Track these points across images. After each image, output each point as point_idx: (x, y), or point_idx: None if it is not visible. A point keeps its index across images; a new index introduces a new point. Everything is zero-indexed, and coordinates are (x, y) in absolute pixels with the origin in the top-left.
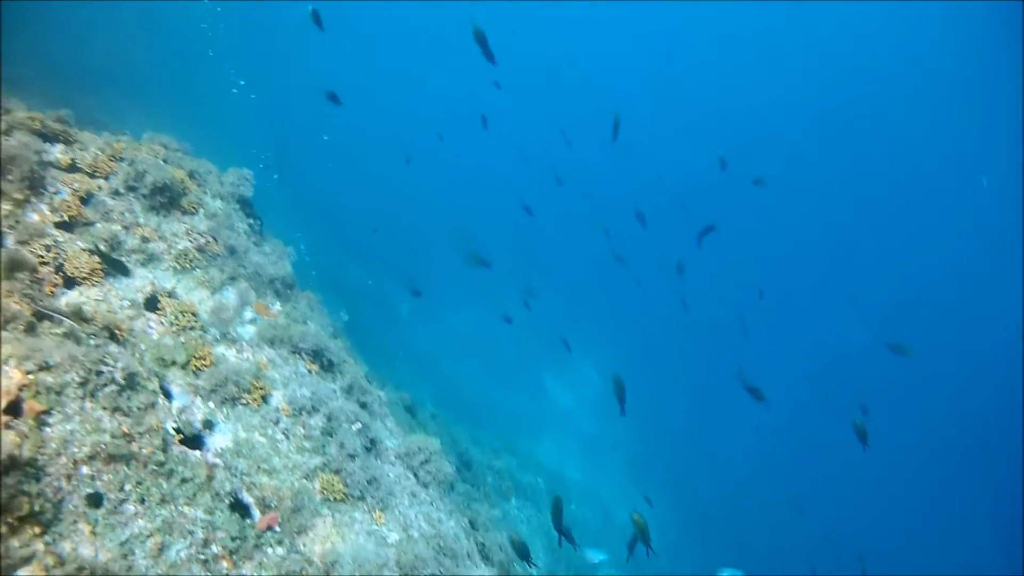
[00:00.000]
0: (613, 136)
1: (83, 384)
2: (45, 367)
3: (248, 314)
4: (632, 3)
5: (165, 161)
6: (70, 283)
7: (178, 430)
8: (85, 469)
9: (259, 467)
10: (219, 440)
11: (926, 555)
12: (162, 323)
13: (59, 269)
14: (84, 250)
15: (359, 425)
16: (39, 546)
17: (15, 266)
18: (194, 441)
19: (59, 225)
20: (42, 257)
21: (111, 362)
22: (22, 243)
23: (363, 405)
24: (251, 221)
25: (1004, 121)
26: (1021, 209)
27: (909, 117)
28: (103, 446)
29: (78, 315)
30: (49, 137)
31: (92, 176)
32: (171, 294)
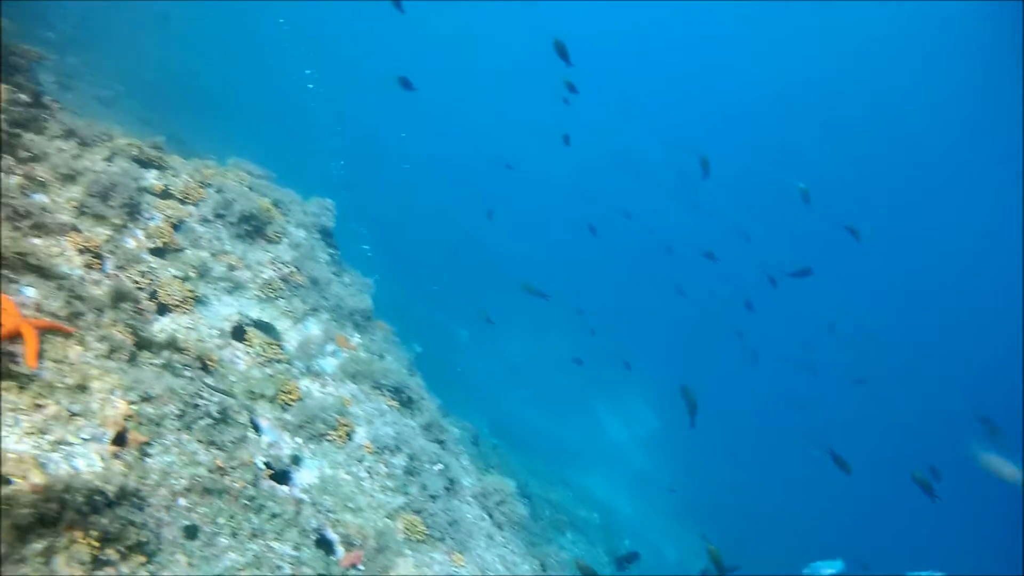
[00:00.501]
0: (704, 175)
1: (180, 417)
2: (146, 398)
3: (330, 347)
4: (708, 38)
5: (250, 188)
6: (163, 310)
7: (268, 465)
8: (182, 501)
9: (344, 505)
10: (305, 476)
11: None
12: (248, 354)
13: (153, 296)
14: (176, 277)
15: (440, 466)
16: (144, 575)
17: (120, 297)
18: (282, 476)
19: (153, 251)
20: (137, 283)
21: (207, 396)
22: (120, 268)
23: (440, 443)
24: (331, 251)
25: (1004, 121)
26: (1021, 209)
27: (909, 117)
28: (199, 479)
29: (173, 345)
30: (145, 163)
31: (183, 203)
32: (257, 324)
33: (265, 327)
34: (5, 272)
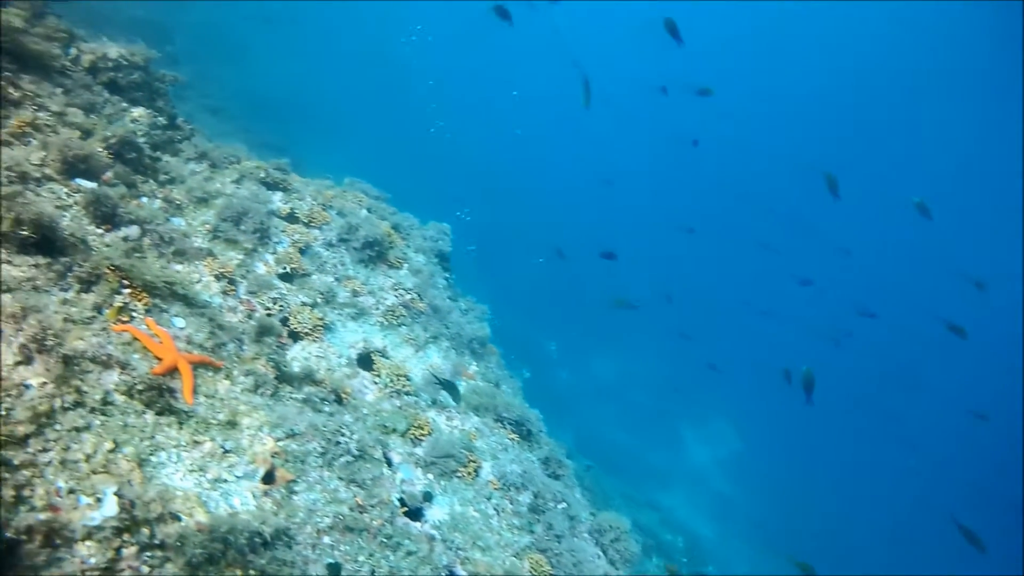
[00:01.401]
0: (834, 195)
1: (323, 454)
2: (291, 435)
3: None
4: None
5: (368, 211)
6: (294, 337)
7: (402, 502)
8: (327, 539)
9: (474, 543)
10: (436, 513)
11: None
12: (376, 383)
13: (284, 322)
14: (305, 304)
15: (564, 504)
16: None
17: (264, 331)
18: (415, 513)
19: (282, 276)
20: (269, 310)
21: (347, 433)
22: (252, 294)
23: (557, 477)
24: (447, 275)
25: (1004, 121)
26: (1021, 209)
27: (909, 117)
28: (341, 517)
29: (310, 378)
30: (271, 185)
31: (308, 226)
32: (383, 352)
33: (390, 355)
34: (156, 301)
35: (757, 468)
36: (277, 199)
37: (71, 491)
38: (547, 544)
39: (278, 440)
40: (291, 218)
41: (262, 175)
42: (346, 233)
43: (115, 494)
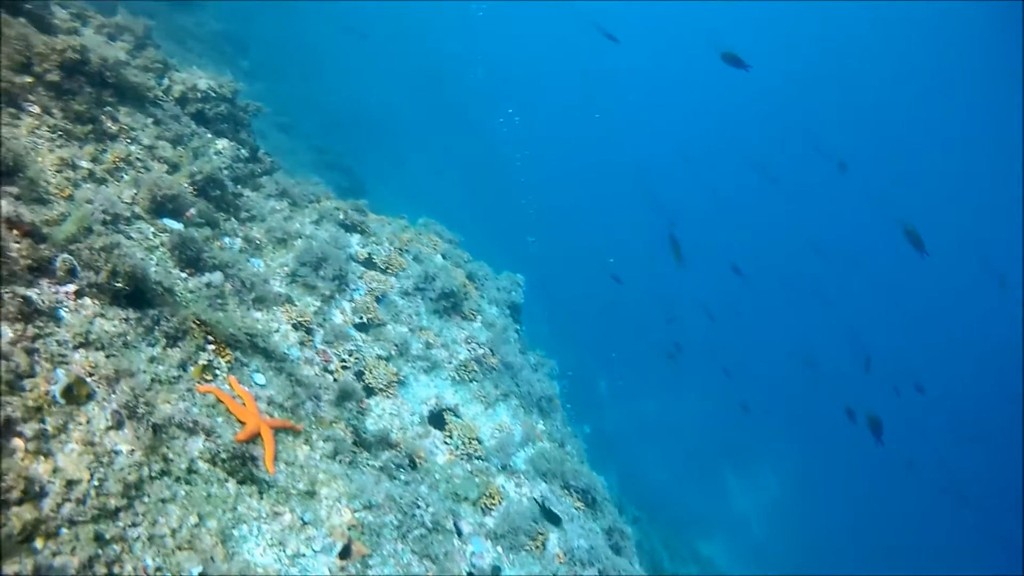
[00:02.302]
0: (918, 250)
1: (398, 527)
2: (369, 507)
3: (522, 440)
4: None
5: (444, 256)
6: (368, 392)
7: (471, 574)
8: None
9: None
10: None
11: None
12: (447, 444)
13: (359, 376)
14: (380, 358)
15: None
16: None
17: (345, 396)
18: None
19: (358, 327)
20: (344, 362)
21: (423, 505)
22: (328, 344)
23: (618, 550)
24: (518, 327)
25: (1004, 121)
26: (1021, 209)
27: (907, 117)
28: None
29: (386, 441)
30: (349, 227)
31: (385, 272)
32: (454, 411)
33: (461, 413)
34: (237, 355)
35: (797, 516)
36: (355, 242)
37: (158, 569)
38: None
39: (355, 511)
40: (368, 263)
41: (341, 216)
42: (423, 282)
43: (200, 575)
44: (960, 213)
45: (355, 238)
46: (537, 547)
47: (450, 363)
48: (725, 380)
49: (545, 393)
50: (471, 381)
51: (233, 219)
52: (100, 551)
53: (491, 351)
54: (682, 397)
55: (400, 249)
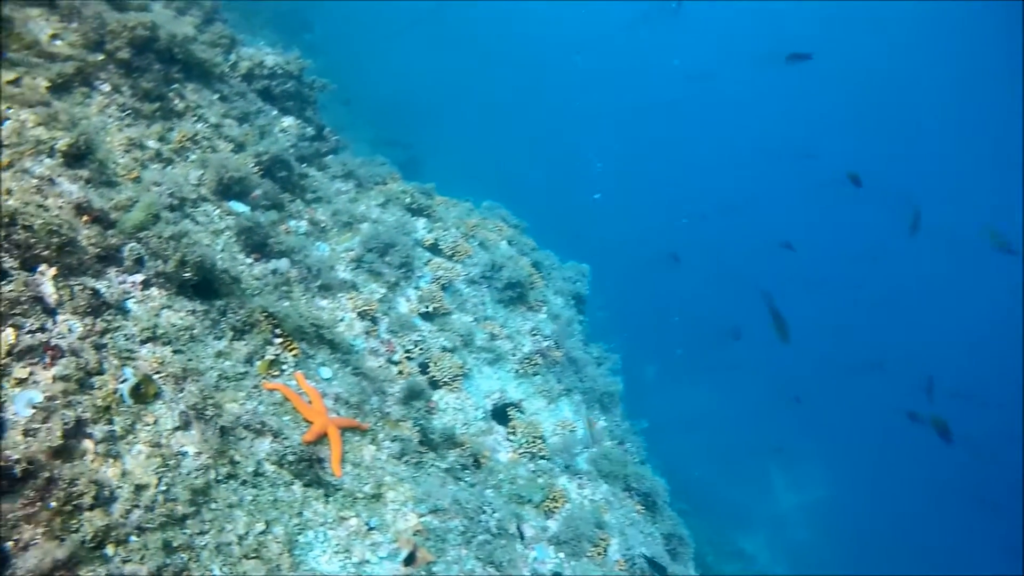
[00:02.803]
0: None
1: (463, 532)
2: (435, 511)
3: (584, 437)
4: None
5: (509, 243)
6: (433, 384)
7: None
8: None
9: None
10: None
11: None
12: (510, 440)
13: (423, 368)
14: (445, 350)
15: None
16: None
17: (413, 395)
18: None
19: (423, 316)
20: (409, 353)
21: (488, 510)
22: (392, 333)
23: (675, 555)
24: (581, 318)
25: (1004, 121)
26: (1021, 208)
27: (908, 116)
28: None
29: (451, 440)
30: (416, 211)
31: (451, 259)
32: (518, 407)
33: (524, 409)
34: (303, 346)
35: (843, 520)
36: (421, 227)
37: None
38: None
39: (421, 516)
40: (434, 249)
41: (408, 200)
42: (489, 271)
43: None
44: (960, 213)
45: (421, 222)
46: (599, 553)
47: (514, 355)
48: (779, 371)
49: (608, 390)
50: (534, 375)
51: (299, 200)
52: (168, 559)
53: (556, 344)
54: (732, 387)
55: (466, 235)
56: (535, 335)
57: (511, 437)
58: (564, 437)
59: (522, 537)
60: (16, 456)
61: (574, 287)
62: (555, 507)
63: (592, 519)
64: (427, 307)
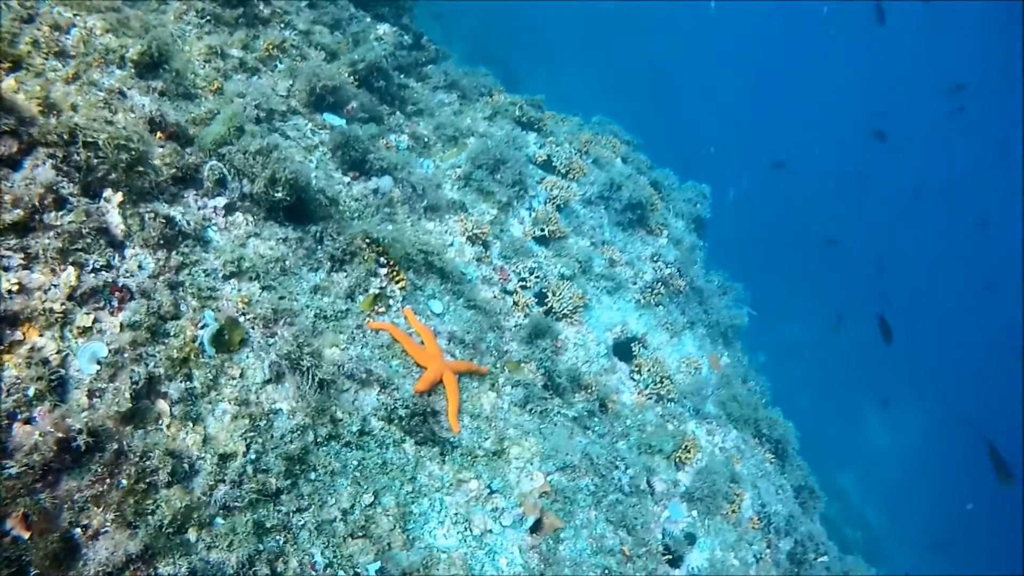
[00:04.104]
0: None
1: (594, 492)
2: (563, 468)
3: (714, 380)
4: None
5: (624, 161)
6: (548, 316)
7: (667, 548)
8: None
9: None
10: (695, 558)
11: None
12: (635, 380)
13: (540, 299)
14: (563, 277)
15: (824, 559)
16: None
17: (538, 333)
18: (675, 560)
19: (538, 240)
20: (524, 282)
21: (621, 465)
22: (506, 259)
23: (804, 509)
24: (702, 244)
25: (1004, 121)
26: (1021, 208)
27: (907, 116)
28: (607, 571)
29: (576, 382)
30: (526, 125)
31: (566, 178)
32: (641, 341)
33: (648, 343)
34: (410, 276)
35: (937, 468)
36: (532, 141)
37: (328, 565)
38: None
39: (548, 475)
40: (547, 166)
41: (517, 112)
42: (607, 191)
43: (377, 573)
44: (959, 216)
45: (532, 137)
46: (733, 511)
47: (635, 284)
48: (886, 307)
49: (733, 323)
50: (657, 305)
51: (398, 113)
52: (260, 545)
53: (679, 272)
54: (829, 320)
55: (580, 151)
56: (656, 261)
57: (635, 376)
58: (691, 376)
59: (652, 492)
60: (78, 426)
61: (694, 210)
62: (687, 458)
63: (727, 472)
64: (542, 230)
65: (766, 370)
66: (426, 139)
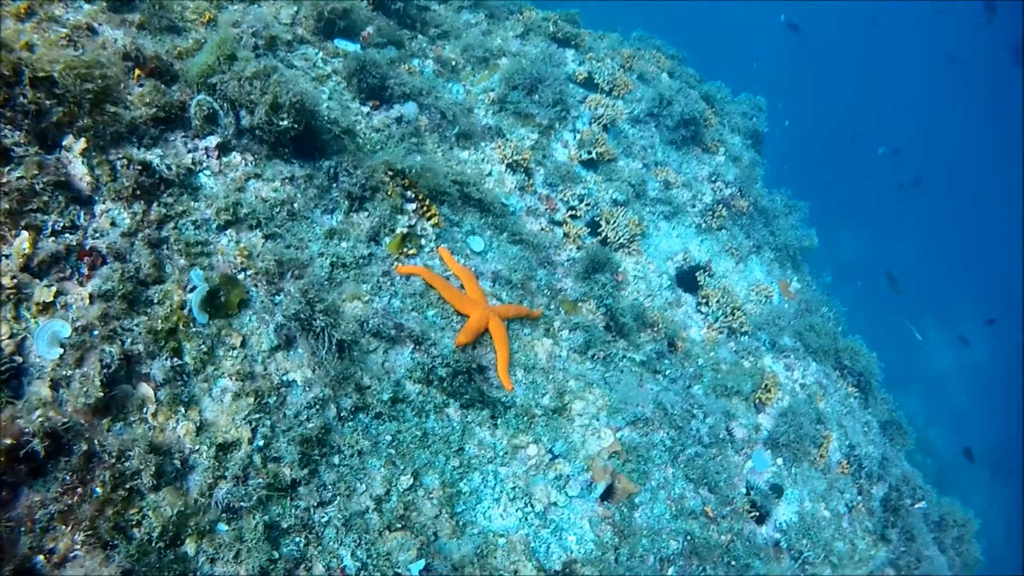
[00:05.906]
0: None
1: (670, 448)
2: (633, 421)
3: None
4: None
5: (670, 74)
6: (603, 245)
7: (753, 503)
8: (672, 571)
9: (824, 555)
10: (783, 511)
11: None
12: (702, 312)
13: (593, 228)
14: (617, 204)
15: (922, 504)
16: None
17: (596, 266)
18: (761, 518)
19: (585, 164)
20: (574, 210)
21: (699, 414)
22: (551, 187)
23: (892, 442)
24: (762, 161)
25: (1004, 121)
26: (1021, 208)
27: (907, 115)
28: (690, 538)
29: (641, 320)
30: (561, 42)
31: (609, 95)
32: (707, 270)
33: (714, 271)
34: (444, 210)
35: (1005, 388)
36: (570, 58)
37: (362, 567)
38: (905, 559)
39: (618, 431)
40: (589, 84)
41: (551, 28)
42: (656, 107)
43: (421, 573)
44: (958, 216)
45: (570, 54)
46: (821, 456)
47: (694, 207)
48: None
49: (802, 244)
50: (719, 229)
51: (420, 36)
52: (276, 552)
53: (740, 192)
54: (891, 238)
55: (623, 67)
56: (715, 181)
57: (702, 308)
58: (763, 306)
59: (732, 441)
60: (31, 429)
61: (751, 124)
62: (768, 398)
63: (811, 411)
64: (589, 152)
65: (833, 292)
66: (454, 63)
